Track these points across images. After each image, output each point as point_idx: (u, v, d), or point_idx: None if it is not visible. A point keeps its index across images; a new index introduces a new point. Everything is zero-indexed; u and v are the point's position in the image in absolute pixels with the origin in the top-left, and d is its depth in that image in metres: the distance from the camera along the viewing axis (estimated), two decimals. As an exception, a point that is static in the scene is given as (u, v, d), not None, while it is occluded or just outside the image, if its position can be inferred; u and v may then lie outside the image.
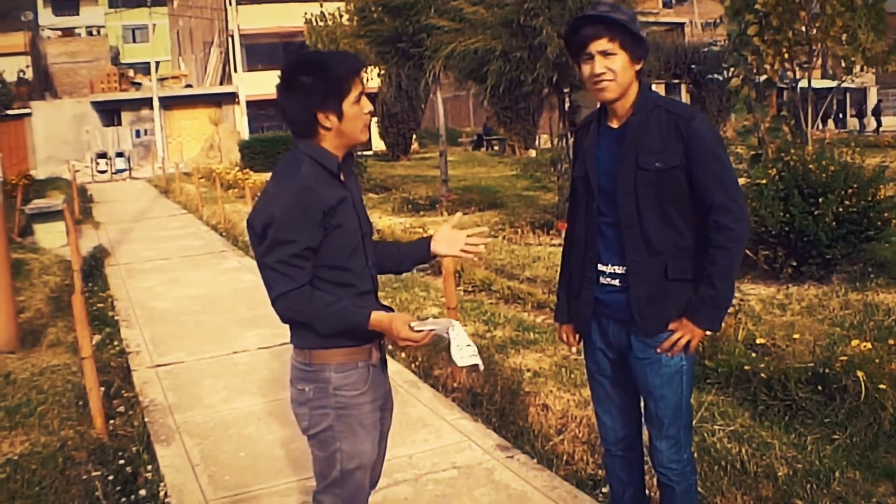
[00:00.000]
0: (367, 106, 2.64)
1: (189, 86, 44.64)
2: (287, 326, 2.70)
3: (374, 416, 2.74)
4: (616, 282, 2.90)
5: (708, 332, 2.97)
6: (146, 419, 5.40)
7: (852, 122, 46.48)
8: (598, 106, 2.98)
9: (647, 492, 3.39)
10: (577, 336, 3.16)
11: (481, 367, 2.62)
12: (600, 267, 2.93)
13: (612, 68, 2.76)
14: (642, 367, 2.92)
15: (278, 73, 2.64)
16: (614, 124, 2.89)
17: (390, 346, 2.82)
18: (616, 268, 2.89)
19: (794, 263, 8.04)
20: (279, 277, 2.52)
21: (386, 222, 13.53)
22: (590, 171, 2.91)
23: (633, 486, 3.24)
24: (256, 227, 2.56)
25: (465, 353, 2.58)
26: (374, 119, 32.13)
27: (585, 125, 3.02)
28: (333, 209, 2.55)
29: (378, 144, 34.73)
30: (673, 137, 2.77)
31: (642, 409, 3.09)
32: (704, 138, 2.77)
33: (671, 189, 2.78)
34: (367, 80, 22.82)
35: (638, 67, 2.82)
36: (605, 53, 2.76)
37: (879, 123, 44.08)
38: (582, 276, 3.01)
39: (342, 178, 2.66)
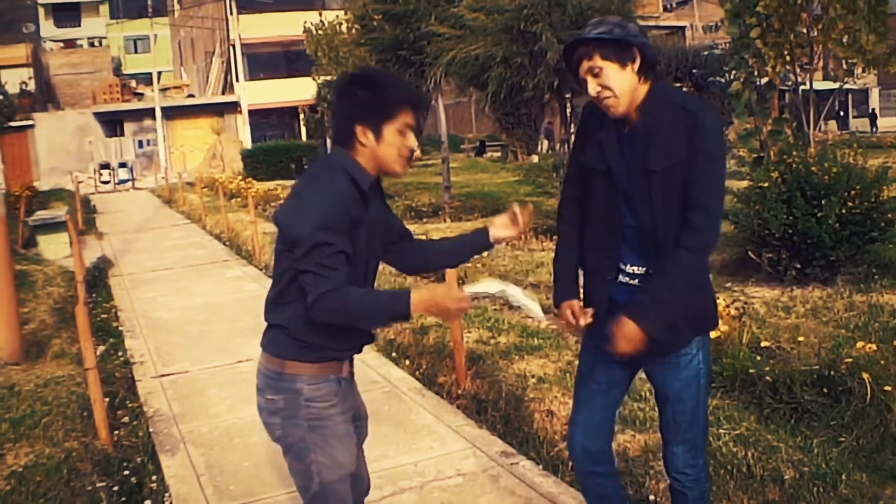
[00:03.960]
0: (411, 142, 2.58)
1: (191, 95, 44.73)
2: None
3: (347, 427, 2.73)
4: (636, 282, 2.81)
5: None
6: (151, 429, 5.40)
7: (855, 123, 46.67)
8: None
9: None
10: (584, 312, 2.94)
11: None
12: (620, 265, 2.83)
13: (604, 84, 2.70)
14: (661, 371, 2.88)
15: (341, 84, 2.63)
16: (625, 127, 2.79)
17: (441, 321, 2.78)
18: (636, 268, 2.81)
19: (798, 266, 8.02)
20: (317, 280, 2.45)
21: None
22: (614, 168, 2.79)
23: (610, 498, 3.15)
24: (294, 229, 2.50)
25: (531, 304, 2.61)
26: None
27: (596, 111, 2.84)
28: (353, 225, 2.52)
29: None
30: (681, 132, 2.68)
31: (658, 416, 3.04)
32: (708, 134, 2.67)
33: (682, 188, 2.69)
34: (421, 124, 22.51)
35: (634, 68, 2.70)
36: (591, 72, 2.71)
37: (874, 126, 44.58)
38: (597, 273, 2.90)
39: (367, 200, 2.61)
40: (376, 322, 2.52)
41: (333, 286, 2.44)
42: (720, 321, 5.71)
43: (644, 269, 2.80)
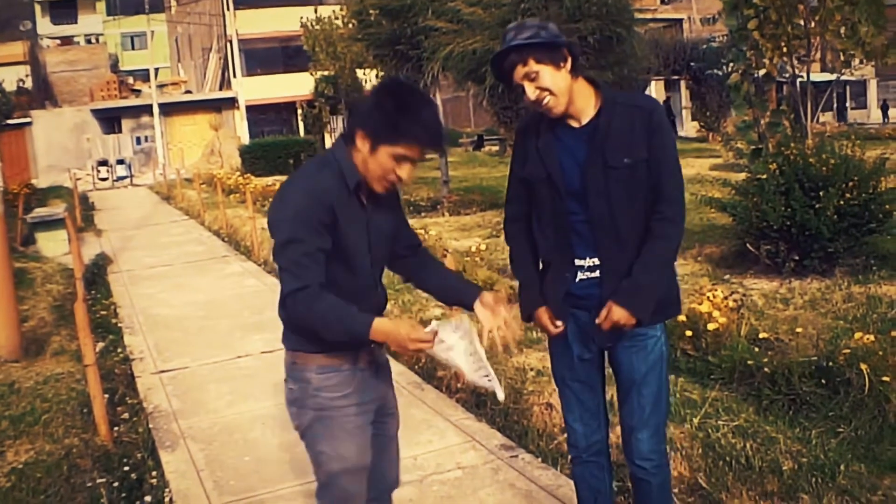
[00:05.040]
0: (403, 171, 2.53)
1: (188, 92, 44.68)
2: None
3: (360, 420, 2.70)
4: (595, 274, 2.86)
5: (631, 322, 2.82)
6: (150, 425, 5.40)
7: (853, 115, 46.54)
8: None
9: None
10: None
11: (500, 395, 2.64)
12: (577, 262, 2.88)
13: (542, 87, 2.73)
14: (628, 355, 2.91)
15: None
16: (575, 124, 2.83)
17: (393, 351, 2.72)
18: (594, 260, 2.86)
19: (797, 257, 8.03)
20: (288, 277, 2.47)
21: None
22: (554, 173, 2.84)
23: (604, 494, 3.17)
24: (271, 224, 2.54)
25: (476, 367, 2.56)
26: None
27: (533, 124, 2.92)
28: (338, 221, 2.51)
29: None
30: (638, 131, 2.76)
31: (619, 407, 3.05)
32: (664, 130, 2.80)
33: (641, 184, 2.78)
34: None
35: (567, 68, 2.75)
36: (528, 77, 2.73)
37: (886, 117, 44.38)
38: (554, 275, 2.94)
39: (363, 199, 2.60)
40: (336, 336, 2.45)
41: (303, 285, 2.43)
42: (719, 313, 5.73)
43: (599, 260, 2.85)
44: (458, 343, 2.54)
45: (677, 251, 2.89)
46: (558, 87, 2.74)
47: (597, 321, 2.82)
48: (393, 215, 2.75)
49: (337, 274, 2.55)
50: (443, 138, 2.59)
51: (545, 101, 2.75)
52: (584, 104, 2.82)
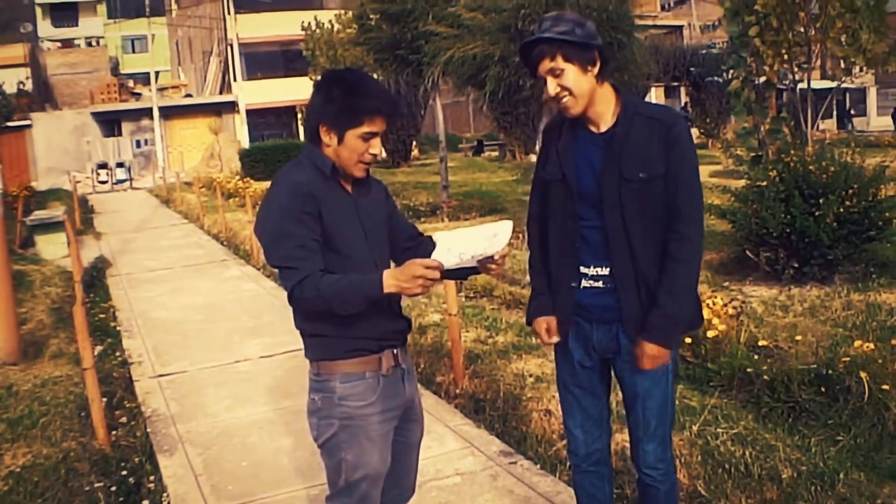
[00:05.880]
0: (374, 148, 2.60)
1: (189, 95, 44.69)
2: (292, 334, 2.71)
3: (384, 428, 2.72)
4: (600, 283, 2.84)
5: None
6: (148, 429, 5.39)
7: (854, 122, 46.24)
8: None
9: None
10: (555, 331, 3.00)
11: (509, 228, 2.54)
12: (582, 269, 2.86)
13: (564, 85, 2.70)
14: (631, 369, 2.87)
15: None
16: (594, 129, 2.81)
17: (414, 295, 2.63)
18: (599, 269, 2.83)
19: (796, 265, 8.03)
20: (289, 273, 2.51)
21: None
22: (568, 175, 2.83)
23: (603, 502, 3.16)
24: (258, 231, 2.61)
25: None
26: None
27: (556, 126, 2.92)
28: (322, 209, 2.56)
29: (378, 151, 34.73)
30: (655, 145, 2.72)
31: (626, 416, 3.04)
32: (683, 145, 2.74)
33: (657, 198, 2.74)
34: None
35: (594, 71, 2.72)
36: (552, 72, 2.70)
37: None
38: (560, 281, 2.92)
39: (347, 187, 2.68)
40: (354, 305, 2.47)
41: (304, 275, 2.48)
42: (718, 320, 5.73)
43: (608, 269, 2.82)
44: (453, 247, 2.48)
45: (699, 272, 2.84)
46: (580, 88, 2.71)
47: (637, 364, 2.81)
48: (382, 200, 2.81)
49: (336, 266, 2.57)
50: (397, 102, 2.71)
51: (564, 99, 2.73)
52: (605, 110, 2.78)
